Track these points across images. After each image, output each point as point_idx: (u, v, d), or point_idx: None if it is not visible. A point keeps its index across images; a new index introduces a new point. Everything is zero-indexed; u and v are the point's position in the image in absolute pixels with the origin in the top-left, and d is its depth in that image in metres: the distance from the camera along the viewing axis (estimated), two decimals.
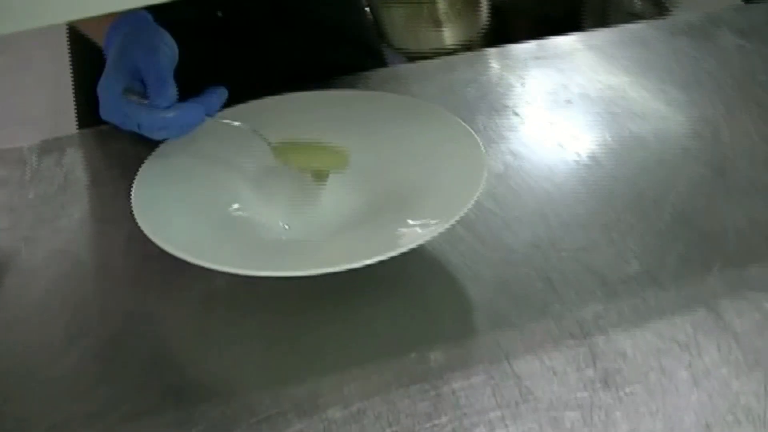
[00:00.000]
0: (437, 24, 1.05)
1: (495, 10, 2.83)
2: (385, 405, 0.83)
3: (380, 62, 1.44)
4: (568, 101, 1.26)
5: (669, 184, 1.09)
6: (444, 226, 0.92)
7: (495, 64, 1.36)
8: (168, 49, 1.02)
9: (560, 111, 1.24)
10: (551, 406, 0.82)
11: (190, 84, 1.02)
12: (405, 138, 1.08)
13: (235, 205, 1.03)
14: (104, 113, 1.01)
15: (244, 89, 1.14)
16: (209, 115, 1.02)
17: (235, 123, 1.04)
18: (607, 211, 1.05)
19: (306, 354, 0.90)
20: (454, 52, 2.31)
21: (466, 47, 2.85)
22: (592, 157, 1.14)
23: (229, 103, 1.07)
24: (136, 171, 1.04)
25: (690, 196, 1.07)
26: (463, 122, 1.07)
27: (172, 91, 0.99)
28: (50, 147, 1.23)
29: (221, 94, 1.04)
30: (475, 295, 0.96)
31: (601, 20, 2.97)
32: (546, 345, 0.88)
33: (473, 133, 1.05)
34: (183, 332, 0.96)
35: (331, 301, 0.95)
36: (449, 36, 1.07)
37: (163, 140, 1.07)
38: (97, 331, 0.95)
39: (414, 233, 0.93)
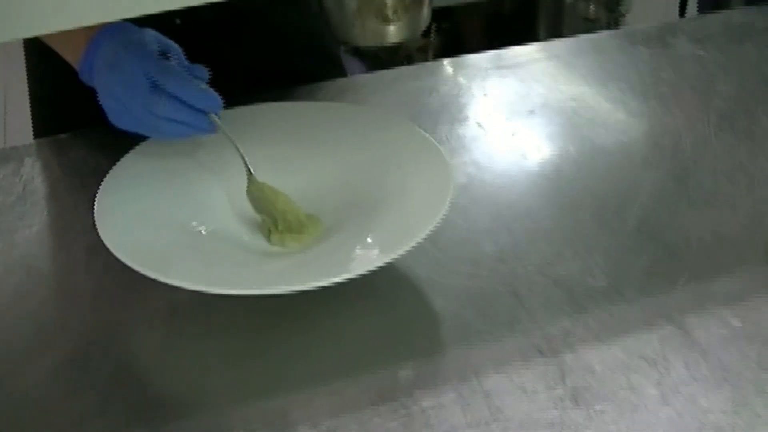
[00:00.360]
0: (385, 20, 1.03)
1: (447, 10, 2.84)
2: (355, 424, 0.83)
3: (339, 70, 1.43)
4: (531, 112, 1.26)
5: (632, 195, 1.09)
6: (405, 249, 0.91)
7: (455, 74, 1.36)
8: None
9: (523, 121, 1.24)
10: (521, 426, 0.82)
11: None
12: (370, 151, 1.07)
13: (199, 219, 1.02)
14: (124, 84, 1.01)
15: None
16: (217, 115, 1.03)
17: (237, 145, 1.03)
18: (571, 224, 1.05)
19: (274, 370, 0.89)
20: (399, 47, 2.32)
21: (419, 44, 2.87)
22: (555, 169, 1.14)
23: None
24: (96, 181, 1.02)
25: (653, 207, 1.07)
26: (429, 136, 1.07)
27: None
28: (7, 156, 1.21)
29: None
30: (442, 309, 0.95)
31: (555, 24, 2.98)
32: (515, 362, 0.88)
33: (441, 149, 1.04)
34: (148, 348, 0.94)
35: (297, 315, 0.94)
36: (396, 32, 1.06)
37: (127, 149, 1.06)
38: (60, 347, 0.93)
39: (375, 254, 0.92)
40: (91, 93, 1.04)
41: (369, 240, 0.96)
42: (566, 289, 0.96)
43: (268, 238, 1.01)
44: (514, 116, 1.25)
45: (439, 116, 1.25)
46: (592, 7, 2.91)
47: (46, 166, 1.20)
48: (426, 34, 2.83)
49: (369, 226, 0.98)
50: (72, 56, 1.06)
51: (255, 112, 1.14)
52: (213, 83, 1.07)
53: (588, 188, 1.11)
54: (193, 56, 1.25)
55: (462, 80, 1.34)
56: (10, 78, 3.25)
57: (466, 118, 1.25)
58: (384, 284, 0.97)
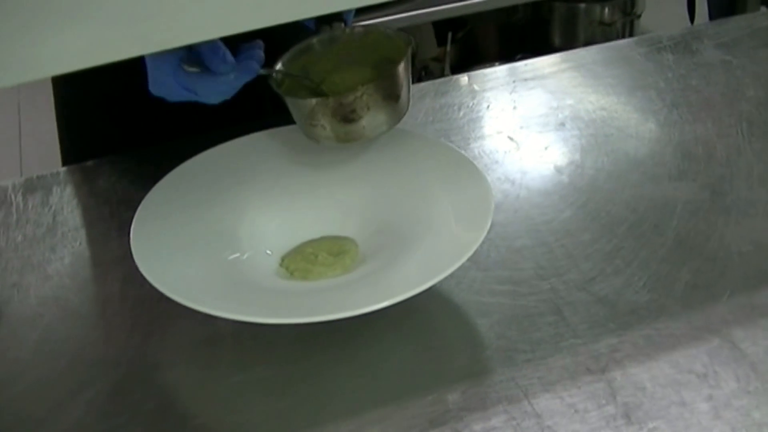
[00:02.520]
0: (347, 120, 0.97)
1: (462, 19, 2.83)
2: None
3: None
4: (561, 124, 1.25)
5: (669, 207, 1.08)
6: (448, 271, 0.89)
7: (484, 87, 1.35)
8: None
9: (554, 134, 1.23)
10: None
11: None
12: (407, 174, 1.07)
13: (235, 247, 1.01)
14: (155, 88, 1.01)
15: (231, 117, 1.12)
16: (263, 68, 1.02)
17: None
18: (609, 238, 1.04)
19: (318, 399, 0.88)
20: (414, 57, 2.32)
21: (435, 54, 2.86)
22: (591, 182, 1.13)
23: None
24: (126, 209, 1.02)
25: (691, 219, 1.06)
26: (468, 158, 1.06)
27: (229, 56, 0.99)
28: (34, 185, 1.20)
29: (260, 48, 1.03)
30: (485, 330, 0.94)
31: (570, 29, 2.98)
32: (564, 381, 0.87)
33: (479, 168, 1.03)
34: (189, 381, 0.93)
35: (338, 342, 0.93)
36: (369, 127, 0.98)
37: (156, 176, 1.05)
38: (99, 382, 0.92)
39: (417, 278, 0.90)
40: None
41: (410, 264, 0.94)
42: (609, 305, 0.95)
43: (289, 273, 1.01)
44: (545, 129, 1.24)
45: (470, 132, 1.24)
46: (606, 10, 2.91)
47: (75, 195, 1.19)
48: (442, 43, 2.83)
49: (409, 249, 0.97)
50: None
51: (287, 134, 1.12)
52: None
53: (624, 201, 1.09)
54: None
55: (489, 94, 1.33)
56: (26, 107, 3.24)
57: (498, 132, 1.24)
58: (425, 307, 0.97)
